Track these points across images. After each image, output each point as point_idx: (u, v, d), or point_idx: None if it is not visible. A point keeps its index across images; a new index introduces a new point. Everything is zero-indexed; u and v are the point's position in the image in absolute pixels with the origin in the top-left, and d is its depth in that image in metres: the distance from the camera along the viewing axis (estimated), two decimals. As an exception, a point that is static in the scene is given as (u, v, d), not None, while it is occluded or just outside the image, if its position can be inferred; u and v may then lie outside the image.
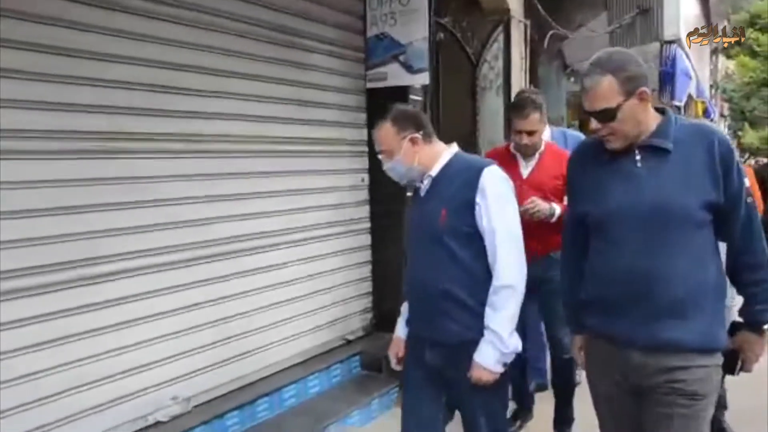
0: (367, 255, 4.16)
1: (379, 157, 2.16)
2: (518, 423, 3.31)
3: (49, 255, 2.39)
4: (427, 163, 2.10)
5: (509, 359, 1.99)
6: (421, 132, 2.10)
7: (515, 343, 1.98)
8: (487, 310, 1.97)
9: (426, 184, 2.12)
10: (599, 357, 1.89)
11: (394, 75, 3.93)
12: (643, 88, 1.70)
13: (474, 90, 5.40)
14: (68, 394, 2.47)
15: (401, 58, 3.89)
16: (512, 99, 3.25)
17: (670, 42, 6.63)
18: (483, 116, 5.47)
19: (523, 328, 2.07)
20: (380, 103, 3.98)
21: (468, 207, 1.99)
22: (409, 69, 3.87)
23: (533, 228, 2.58)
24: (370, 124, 4.10)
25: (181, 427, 2.80)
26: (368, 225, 4.16)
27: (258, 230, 3.30)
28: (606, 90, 1.68)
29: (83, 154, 2.50)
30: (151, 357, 2.79)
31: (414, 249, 2.17)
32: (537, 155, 2.94)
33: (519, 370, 3.04)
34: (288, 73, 3.48)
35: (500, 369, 1.98)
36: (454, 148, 2.17)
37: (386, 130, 2.11)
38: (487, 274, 1.99)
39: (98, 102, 2.55)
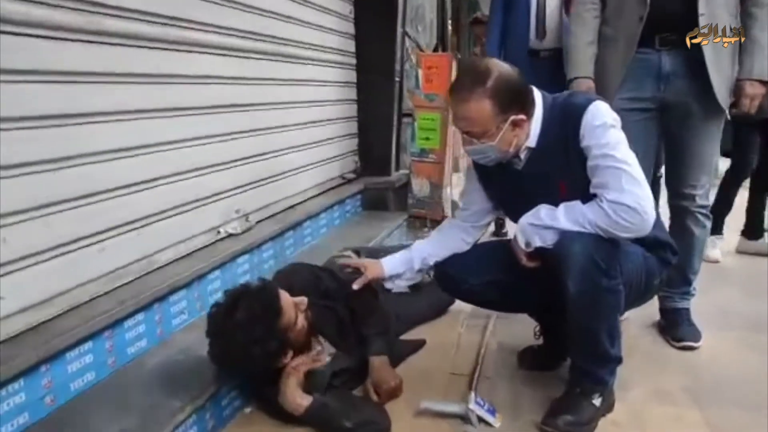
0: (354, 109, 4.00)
1: (462, 135, 1.61)
2: None
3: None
4: (525, 139, 1.61)
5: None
6: (526, 110, 1.58)
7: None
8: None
9: (524, 157, 1.64)
10: None
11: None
12: None
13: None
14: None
15: None
16: None
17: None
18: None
19: None
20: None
21: (584, 163, 1.56)
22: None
23: None
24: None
25: (250, 242, 2.47)
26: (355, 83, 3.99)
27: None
28: None
29: None
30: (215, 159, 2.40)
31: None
32: None
33: None
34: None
35: None
36: (539, 98, 1.63)
37: (481, 108, 1.51)
38: None
39: None
